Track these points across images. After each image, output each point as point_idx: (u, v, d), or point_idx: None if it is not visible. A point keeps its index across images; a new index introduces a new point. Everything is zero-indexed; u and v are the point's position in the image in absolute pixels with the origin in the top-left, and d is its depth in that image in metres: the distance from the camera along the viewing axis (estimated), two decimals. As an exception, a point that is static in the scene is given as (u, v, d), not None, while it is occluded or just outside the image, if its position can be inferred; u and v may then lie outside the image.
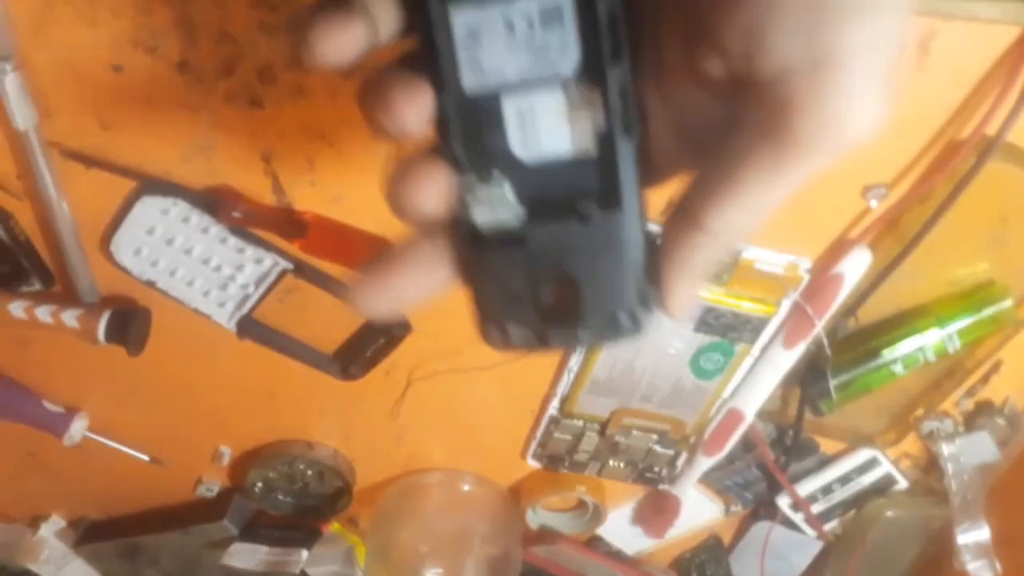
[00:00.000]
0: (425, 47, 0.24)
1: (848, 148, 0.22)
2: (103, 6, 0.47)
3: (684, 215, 0.25)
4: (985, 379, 0.68)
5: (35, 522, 0.81)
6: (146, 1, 0.47)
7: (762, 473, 0.75)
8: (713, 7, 0.22)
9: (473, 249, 0.26)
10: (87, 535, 0.81)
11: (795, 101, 0.21)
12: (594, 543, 0.82)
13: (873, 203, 0.55)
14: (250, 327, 0.62)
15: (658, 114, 0.26)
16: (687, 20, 0.23)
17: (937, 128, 0.52)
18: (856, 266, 0.57)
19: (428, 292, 0.28)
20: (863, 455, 0.72)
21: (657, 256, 0.26)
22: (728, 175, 0.23)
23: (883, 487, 0.75)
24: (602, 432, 0.69)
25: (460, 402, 0.70)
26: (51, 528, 0.81)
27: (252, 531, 0.78)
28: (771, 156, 0.22)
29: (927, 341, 0.61)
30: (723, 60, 0.22)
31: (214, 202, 0.55)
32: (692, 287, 0.26)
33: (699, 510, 0.79)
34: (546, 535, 0.80)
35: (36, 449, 0.75)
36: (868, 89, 0.21)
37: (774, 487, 0.76)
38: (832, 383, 0.63)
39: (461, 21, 0.23)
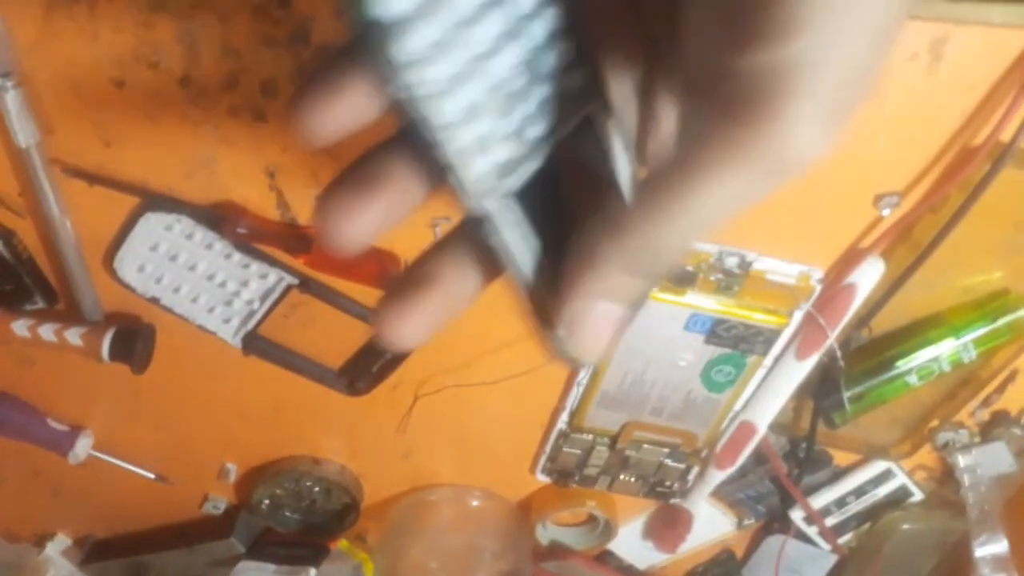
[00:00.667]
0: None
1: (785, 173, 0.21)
2: (105, 21, 0.47)
3: (615, 226, 0.22)
4: (1001, 389, 0.67)
5: (41, 541, 0.81)
6: (148, 15, 0.46)
7: (775, 486, 0.74)
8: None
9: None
10: (93, 554, 0.81)
11: (728, 111, 0.20)
12: (605, 558, 0.81)
13: (885, 212, 0.55)
14: (255, 343, 0.61)
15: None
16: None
17: (950, 135, 0.51)
18: (869, 276, 0.56)
19: (457, 309, 0.27)
20: (877, 467, 0.71)
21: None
22: (667, 186, 0.21)
23: (898, 499, 0.73)
24: (612, 446, 0.68)
25: (468, 417, 0.69)
26: (57, 547, 0.81)
27: (259, 549, 0.77)
28: (711, 172, 0.21)
29: (942, 351, 0.60)
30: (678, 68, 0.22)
31: (218, 217, 0.55)
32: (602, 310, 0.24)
33: (711, 524, 0.78)
34: (556, 551, 0.79)
35: (41, 468, 0.75)
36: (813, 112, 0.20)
37: (787, 500, 0.75)
38: (846, 395, 0.62)
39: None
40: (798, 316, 0.58)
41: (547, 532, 0.79)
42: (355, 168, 0.24)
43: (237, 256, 0.57)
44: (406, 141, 0.22)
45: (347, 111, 0.22)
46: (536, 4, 0.21)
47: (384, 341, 0.25)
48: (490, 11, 0.20)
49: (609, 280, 0.23)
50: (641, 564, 0.82)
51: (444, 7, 0.19)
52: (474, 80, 0.20)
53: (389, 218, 0.23)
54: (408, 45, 0.19)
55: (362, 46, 0.20)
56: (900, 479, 0.71)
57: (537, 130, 0.22)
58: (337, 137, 0.22)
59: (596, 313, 0.23)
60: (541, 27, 0.21)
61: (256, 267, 0.57)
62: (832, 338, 0.59)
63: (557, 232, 0.24)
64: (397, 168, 0.23)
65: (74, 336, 0.60)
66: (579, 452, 0.70)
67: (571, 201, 0.25)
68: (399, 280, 0.25)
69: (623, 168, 0.25)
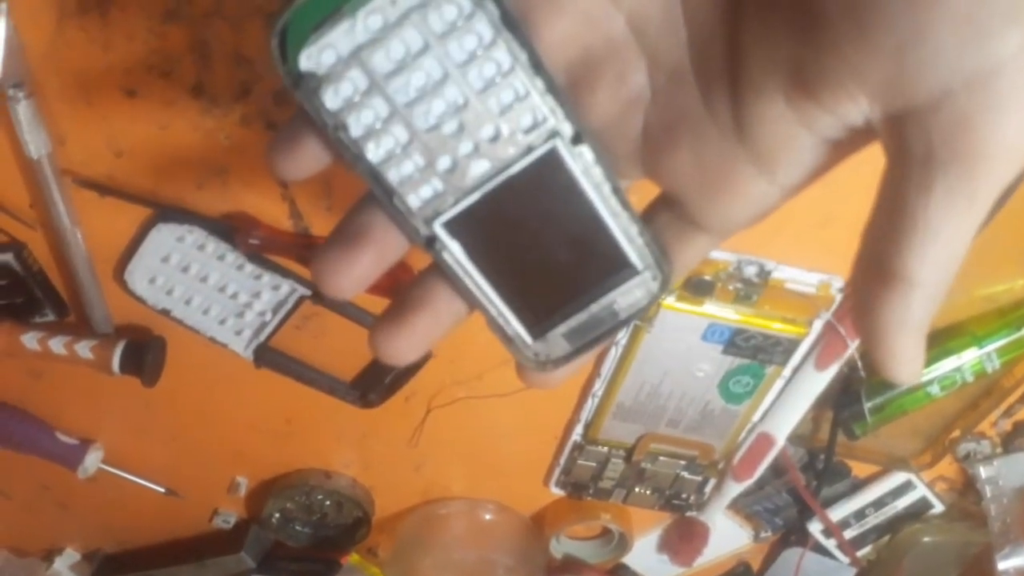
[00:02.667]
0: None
1: None
2: (116, 30, 0.46)
3: (880, 270, 0.22)
4: None
5: (49, 555, 0.80)
6: (160, 25, 0.46)
7: (792, 498, 0.73)
8: (841, 31, 0.20)
9: None
10: (102, 568, 0.80)
11: (969, 120, 0.20)
12: (619, 572, 0.80)
13: (907, 219, 0.54)
14: (267, 355, 0.60)
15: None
16: (790, 46, 0.21)
17: (973, 141, 0.51)
18: (890, 284, 0.56)
19: (450, 325, 0.27)
20: (897, 479, 0.70)
21: None
22: (918, 217, 0.21)
23: (918, 511, 0.72)
24: (628, 458, 0.67)
25: (481, 429, 0.68)
26: (65, 562, 0.80)
27: (270, 563, 0.77)
28: (961, 185, 0.20)
29: (965, 361, 0.59)
30: (862, 93, 0.20)
31: (230, 228, 0.54)
32: (916, 344, 0.24)
33: (728, 537, 0.77)
34: (570, 565, 0.78)
35: (50, 482, 0.74)
36: None
37: (805, 512, 0.74)
38: (867, 405, 0.61)
39: None
40: (818, 325, 0.58)
41: (561, 546, 0.78)
42: (341, 226, 0.25)
43: (249, 267, 0.56)
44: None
45: (307, 160, 0.24)
46: (473, 51, 0.21)
47: (379, 357, 0.26)
48: (418, 61, 0.21)
49: (914, 323, 0.23)
50: (656, 578, 0.81)
51: (368, 61, 0.21)
52: (399, 124, 0.22)
53: (378, 266, 0.25)
54: (332, 95, 0.22)
55: (296, 95, 0.22)
56: (920, 491, 0.70)
57: (477, 168, 0.23)
58: (302, 178, 0.25)
59: (916, 349, 0.24)
60: (480, 73, 0.22)
61: (268, 278, 0.57)
62: (853, 348, 0.58)
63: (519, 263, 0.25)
64: (378, 221, 0.25)
65: (84, 349, 0.59)
66: (594, 464, 0.69)
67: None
68: (394, 301, 0.26)
69: (595, 193, 0.24)
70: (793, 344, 0.58)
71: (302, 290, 0.57)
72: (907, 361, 0.23)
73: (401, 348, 0.26)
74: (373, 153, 0.23)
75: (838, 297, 0.56)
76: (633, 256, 0.25)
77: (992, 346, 0.59)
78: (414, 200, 0.24)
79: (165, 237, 0.54)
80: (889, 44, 0.19)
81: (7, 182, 0.53)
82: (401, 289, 0.55)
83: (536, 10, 0.23)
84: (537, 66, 0.22)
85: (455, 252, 0.24)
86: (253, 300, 0.58)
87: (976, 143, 0.20)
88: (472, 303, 0.26)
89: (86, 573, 0.80)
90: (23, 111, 0.48)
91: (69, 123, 0.50)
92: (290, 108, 0.49)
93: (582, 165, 0.23)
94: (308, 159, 0.24)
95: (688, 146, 0.24)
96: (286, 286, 0.57)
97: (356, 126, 0.22)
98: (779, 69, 0.22)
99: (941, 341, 0.60)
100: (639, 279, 0.25)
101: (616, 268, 0.25)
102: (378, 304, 0.58)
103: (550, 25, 0.23)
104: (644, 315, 0.24)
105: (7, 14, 0.45)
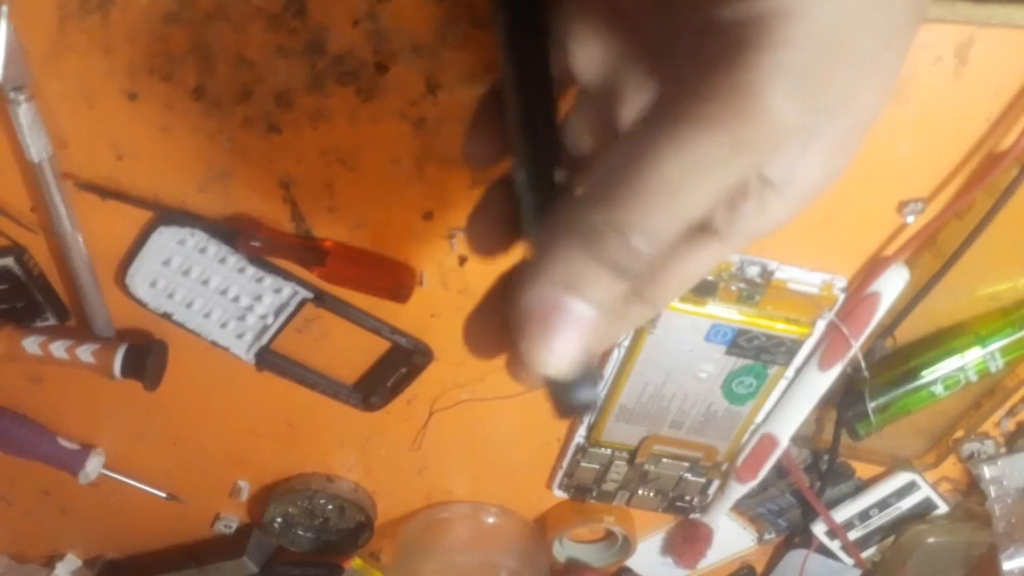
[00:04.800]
0: None
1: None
2: (118, 32, 0.46)
3: None
4: (1027, 398, 0.66)
5: (50, 562, 0.80)
6: (162, 27, 0.46)
7: (796, 500, 0.73)
8: None
9: None
10: (103, 574, 0.80)
11: None
12: (623, 575, 0.80)
13: (910, 219, 0.54)
14: (269, 358, 0.60)
15: None
16: None
17: (975, 139, 0.51)
18: (893, 284, 0.55)
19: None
20: (901, 479, 0.70)
21: None
22: (673, 263, 0.24)
23: (923, 512, 0.72)
24: (631, 460, 0.67)
25: (483, 432, 0.68)
26: (67, 568, 0.79)
27: (272, 568, 0.76)
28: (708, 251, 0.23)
29: (968, 360, 0.59)
30: None
31: (232, 231, 0.54)
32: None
33: (731, 539, 0.77)
34: (574, 568, 0.78)
35: (51, 487, 0.74)
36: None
37: (809, 514, 0.73)
38: (870, 405, 0.61)
39: None
40: (821, 326, 0.58)
41: (564, 549, 0.77)
42: None
43: (251, 270, 0.56)
44: None
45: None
46: None
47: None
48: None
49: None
50: (660, 581, 0.81)
51: None
52: None
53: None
54: None
55: None
56: (924, 491, 0.70)
57: None
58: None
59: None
60: None
61: (270, 281, 0.56)
62: (856, 348, 0.58)
63: None
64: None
65: (85, 353, 0.59)
66: (597, 467, 0.68)
67: None
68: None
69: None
70: (796, 344, 0.58)
71: (304, 293, 0.57)
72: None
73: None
74: None
75: (841, 297, 0.56)
76: None
77: (995, 345, 0.58)
78: None
79: (166, 240, 0.54)
80: None
81: (8, 186, 0.53)
82: (403, 290, 0.55)
83: None
84: None
85: None
86: (255, 303, 0.57)
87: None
88: None
89: (87, 579, 0.79)
90: (24, 114, 0.48)
91: (70, 126, 0.50)
92: (291, 110, 0.49)
93: None
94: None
95: None
96: (288, 289, 0.57)
97: None
98: None
99: (944, 340, 0.60)
100: None
101: None
102: (380, 306, 0.58)
103: None
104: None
105: (8, 17, 0.45)
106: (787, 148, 0.19)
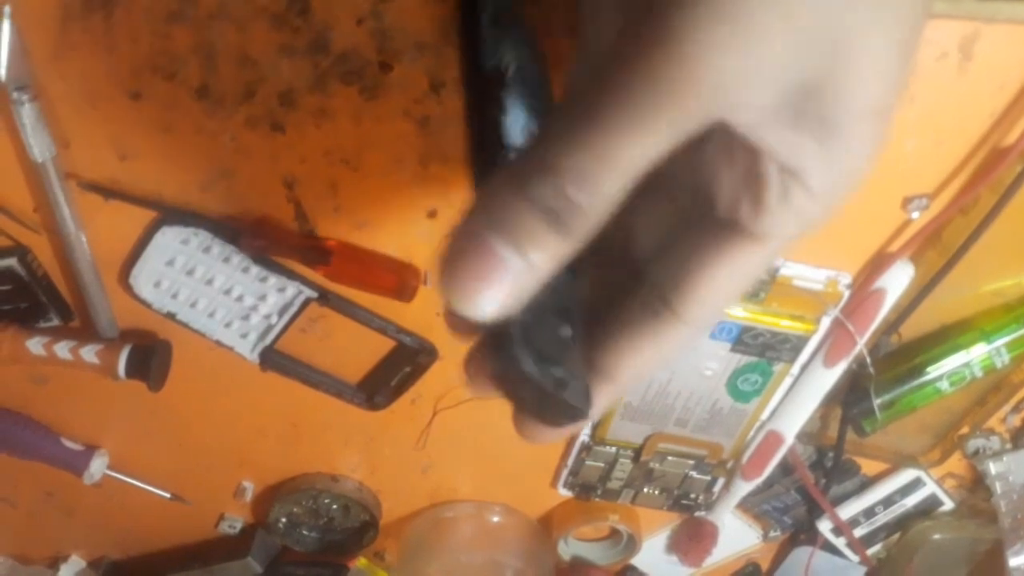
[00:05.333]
0: None
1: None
2: (121, 32, 0.46)
3: (656, 299, 0.23)
4: (1033, 394, 0.65)
5: (54, 563, 0.80)
6: (165, 26, 0.46)
7: (801, 497, 0.73)
8: None
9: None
10: (108, 575, 0.79)
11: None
12: (628, 573, 0.80)
13: (914, 215, 0.54)
14: (273, 358, 0.60)
15: None
16: None
17: (980, 135, 0.51)
18: (898, 280, 0.55)
19: None
20: (906, 476, 0.70)
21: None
22: (705, 268, 0.22)
23: (928, 509, 0.72)
24: (636, 459, 0.67)
25: (488, 431, 0.68)
26: (71, 569, 0.79)
27: (276, 569, 0.76)
28: (742, 254, 0.21)
29: (974, 356, 0.59)
30: None
31: (235, 230, 0.54)
32: (644, 370, 0.24)
33: (737, 536, 0.76)
34: (579, 566, 0.78)
35: (55, 488, 0.74)
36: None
37: (814, 511, 0.73)
38: (876, 402, 0.60)
39: None
40: (826, 322, 0.57)
41: (569, 547, 0.77)
42: None
43: (255, 269, 0.56)
44: None
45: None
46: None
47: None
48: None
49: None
50: (665, 579, 0.81)
51: None
52: None
53: None
54: None
55: None
56: (930, 488, 0.70)
57: None
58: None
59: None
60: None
61: (274, 280, 0.56)
62: (861, 344, 0.57)
63: None
64: None
65: (90, 354, 0.59)
66: (602, 465, 0.68)
67: None
68: None
69: None
70: (801, 341, 0.58)
71: (308, 292, 0.57)
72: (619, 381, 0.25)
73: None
74: None
75: (846, 294, 0.56)
76: None
77: (1001, 341, 0.58)
78: None
79: (170, 240, 0.54)
80: None
81: (11, 186, 0.53)
82: (407, 289, 0.55)
83: None
84: None
85: None
86: (259, 303, 0.57)
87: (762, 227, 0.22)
88: None
89: (92, 580, 0.79)
90: (27, 114, 0.47)
91: (73, 126, 0.50)
92: (295, 110, 0.49)
93: None
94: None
95: None
96: (292, 288, 0.57)
97: None
98: None
99: (950, 336, 0.60)
100: None
101: None
102: (385, 305, 0.58)
103: None
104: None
105: (11, 16, 0.45)
106: (752, 113, 0.19)
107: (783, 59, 0.19)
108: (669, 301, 0.23)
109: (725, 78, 0.18)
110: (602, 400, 0.25)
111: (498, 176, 0.21)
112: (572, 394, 0.24)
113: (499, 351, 0.23)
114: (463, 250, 0.20)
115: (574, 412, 0.25)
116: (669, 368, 0.60)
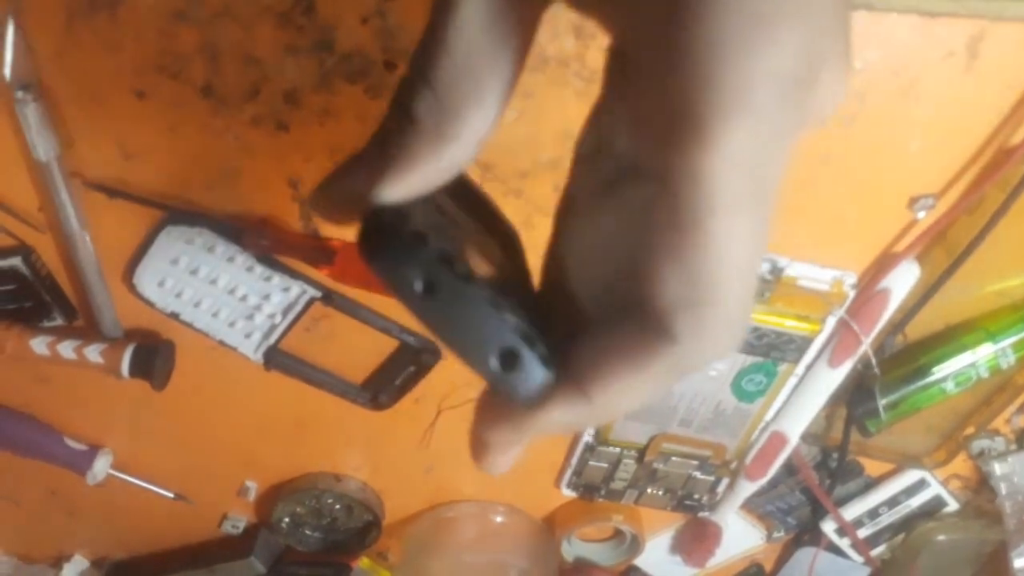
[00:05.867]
0: None
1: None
2: (125, 31, 0.46)
3: (567, 375, 0.22)
4: (1038, 395, 0.65)
5: (58, 562, 0.80)
6: (170, 25, 0.46)
7: (806, 497, 0.73)
8: None
9: None
10: (111, 575, 0.79)
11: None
12: (632, 574, 0.80)
13: (920, 214, 0.53)
14: (277, 358, 0.60)
15: None
16: None
17: (986, 134, 0.50)
18: (903, 280, 0.55)
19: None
20: (911, 476, 0.70)
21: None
22: (619, 363, 0.21)
23: (932, 510, 0.72)
24: (640, 459, 0.67)
25: (492, 430, 0.68)
26: (74, 568, 0.79)
27: (279, 568, 0.76)
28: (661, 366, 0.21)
29: (979, 357, 0.59)
30: None
31: (240, 230, 0.54)
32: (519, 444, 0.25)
33: (740, 537, 0.76)
34: (582, 567, 0.77)
35: (58, 488, 0.74)
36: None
37: (818, 512, 0.73)
38: (880, 403, 0.60)
39: None
40: (831, 322, 0.57)
41: (572, 548, 0.77)
42: None
43: (259, 269, 0.56)
44: None
45: None
46: None
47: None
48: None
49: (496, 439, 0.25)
50: (668, 579, 0.81)
51: None
52: None
53: None
54: None
55: None
56: (934, 489, 0.70)
57: None
58: None
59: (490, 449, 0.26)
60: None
61: (278, 280, 0.56)
62: (866, 344, 0.57)
63: None
64: None
65: (94, 353, 0.59)
66: (606, 466, 0.68)
67: None
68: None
69: None
70: (806, 341, 0.58)
71: (312, 292, 0.57)
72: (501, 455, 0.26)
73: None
74: None
75: (851, 294, 0.56)
76: None
77: (1007, 341, 0.58)
78: None
79: (174, 239, 0.54)
80: None
81: (16, 185, 0.53)
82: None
83: None
84: None
85: None
86: (263, 302, 0.57)
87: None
88: None
89: (95, 580, 0.79)
90: (32, 113, 0.47)
91: (78, 125, 0.50)
92: (299, 108, 0.49)
93: None
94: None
95: None
96: (296, 288, 0.57)
97: None
98: None
99: (955, 337, 0.59)
100: None
101: None
102: (388, 305, 0.58)
103: None
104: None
105: (16, 16, 0.45)
106: None
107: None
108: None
109: None
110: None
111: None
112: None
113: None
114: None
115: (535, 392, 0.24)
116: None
